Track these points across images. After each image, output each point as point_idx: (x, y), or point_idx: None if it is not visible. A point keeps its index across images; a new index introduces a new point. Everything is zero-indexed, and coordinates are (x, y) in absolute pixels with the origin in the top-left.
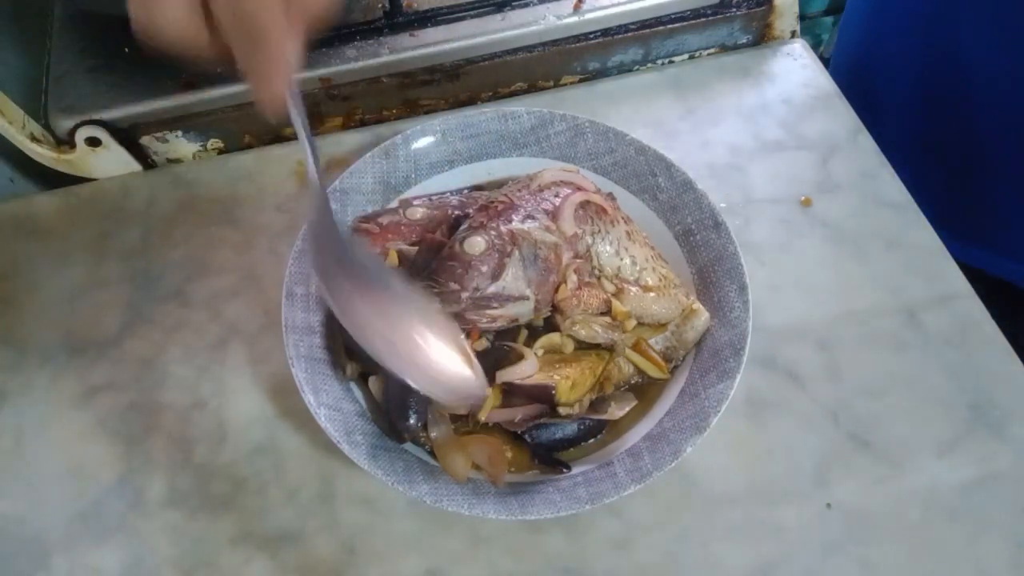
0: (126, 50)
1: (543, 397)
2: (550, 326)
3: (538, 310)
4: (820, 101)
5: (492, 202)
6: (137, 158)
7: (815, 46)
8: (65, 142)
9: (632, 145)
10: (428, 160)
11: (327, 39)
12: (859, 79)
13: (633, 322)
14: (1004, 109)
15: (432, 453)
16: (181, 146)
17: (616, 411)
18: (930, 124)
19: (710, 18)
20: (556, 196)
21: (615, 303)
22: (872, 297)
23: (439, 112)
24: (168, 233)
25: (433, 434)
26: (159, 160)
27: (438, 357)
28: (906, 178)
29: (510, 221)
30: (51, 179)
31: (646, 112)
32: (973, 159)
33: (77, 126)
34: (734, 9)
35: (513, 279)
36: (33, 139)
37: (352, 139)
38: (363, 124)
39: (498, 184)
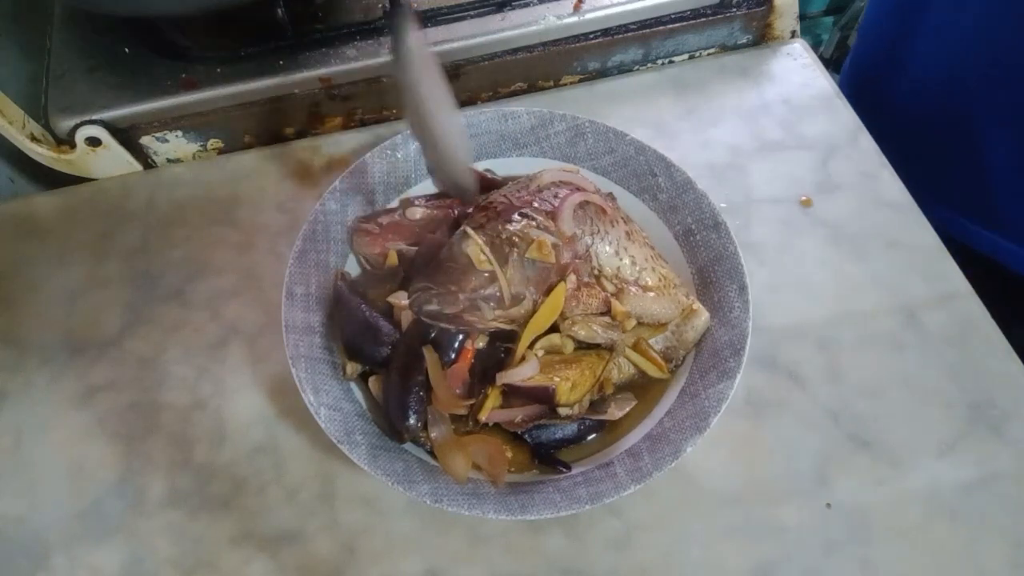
0: (126, 50)
1: (543, 398)
2: (550, 326)
3: (536, 311)
4: (820, 101)
5: (491, 203)
6: (137, 158)
7: (815, 46)
8: (65, 142)
9: (632, 145)
10: None
11: (327, 39)
12: (869, 82)
13: (633, 322)
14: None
15: (432, 453)
16: (181, 146)
17: (616, 411)
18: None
19: (710, 18)
20: (555, 196)
21: (614, 303)
22: (872, 297)
23: None
24: (168, 233)
25: (433, 434)
26: (159, 160)
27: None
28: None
29: (508, 222)
30: (51, 179)
31: (646, 112)
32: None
33: (77, 126)
34: (734, 9)
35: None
36: (33, 139)
37: (352, 139)
38: (363, 124)
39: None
